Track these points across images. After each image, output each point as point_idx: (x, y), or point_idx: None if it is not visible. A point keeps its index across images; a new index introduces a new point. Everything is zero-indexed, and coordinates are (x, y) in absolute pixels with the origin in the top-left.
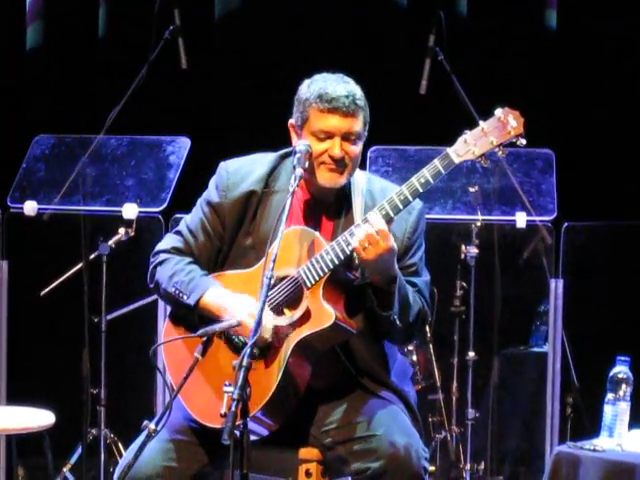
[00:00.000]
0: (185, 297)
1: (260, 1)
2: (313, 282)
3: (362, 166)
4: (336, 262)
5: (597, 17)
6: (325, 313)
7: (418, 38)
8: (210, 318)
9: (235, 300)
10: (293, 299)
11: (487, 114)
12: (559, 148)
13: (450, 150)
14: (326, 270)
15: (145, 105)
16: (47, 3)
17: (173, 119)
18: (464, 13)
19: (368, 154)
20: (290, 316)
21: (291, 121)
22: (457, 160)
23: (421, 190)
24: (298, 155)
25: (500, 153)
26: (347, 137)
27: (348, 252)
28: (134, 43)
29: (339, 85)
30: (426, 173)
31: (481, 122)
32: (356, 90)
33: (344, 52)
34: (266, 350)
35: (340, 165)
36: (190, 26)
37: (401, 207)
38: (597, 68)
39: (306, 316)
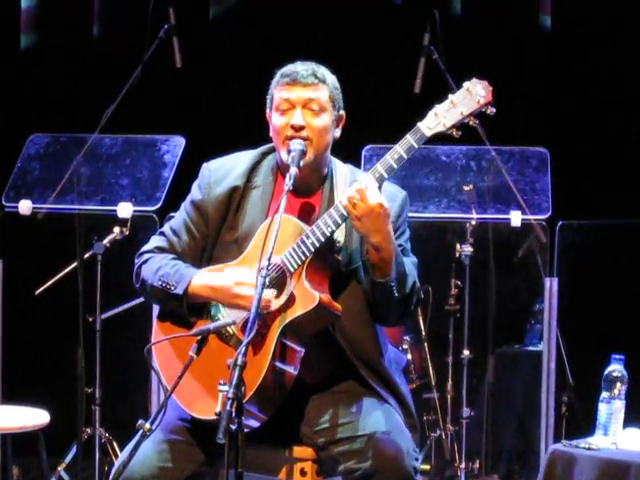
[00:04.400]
0: (172, 288)
1: (255, 0)
2: (296, 267)
3: (356, 165)
4: (317, 245)
5: (591, 15)
6: (309, 296)
7: (412, 37)
8: (199, 306)
9: (220, 276)
10: (278, 286)
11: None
12: (554, 147)
13: (421, 124)
14: (307, 254)
15: (140, 104)
16: (42, 2)
17: (168, 118)
18: (458, 12)
19: (363, 153)
20: (276, 302)
21: (267, 111)
22: (428, 133)
23: (395, 166)
24: (293, 154)
25: (471, 123)
26: (308, 106)
27: (328, 234)
28: (129, 42)
29: (301, 64)
30: (399, 149)
31: (450, 95)
32: (320, 68)
33: (338, 51)
34: (254, 337)
35: (303, 137)
36: (185, 25)
37: (377, 184)
38: (591, 66)
39: (291, 300)
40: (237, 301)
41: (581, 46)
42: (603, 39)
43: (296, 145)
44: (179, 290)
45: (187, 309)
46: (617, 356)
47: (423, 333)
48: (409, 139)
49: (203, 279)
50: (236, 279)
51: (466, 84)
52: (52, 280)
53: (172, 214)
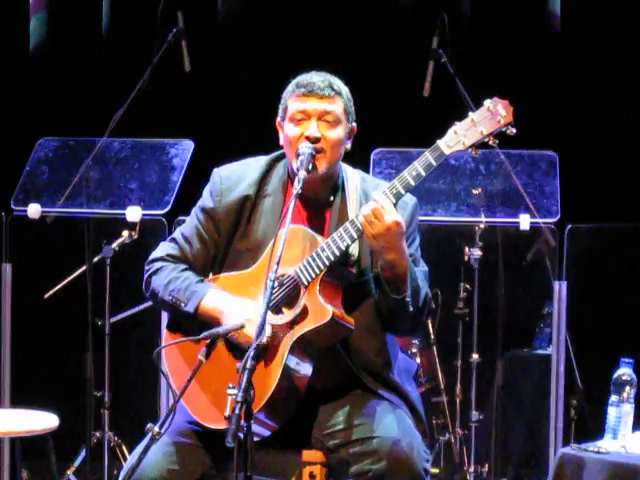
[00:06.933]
0: (183, 305)
1: (263, 3)
2: (310, 280)
3: (365, 168)
4: (332, 259)
5: (600, 18)
6: (322, 310)
7: (421, 40)
8: (210, 323)
9: (233, 304)
10: (291, 298)
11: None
12: (563, 150)
13: (440, 142)
14: (322, 267)
15: (148, 108)
16: (50, 6)
17: (176, 122)
18: (467, 15)
19: (372, 156)
20: (288, 314)
21: (277, 120)
22: (447, 151)
23: (413, 184)
24: (301, 157)
25: (490, 142)
26: (324, 118)
27: (343, 248)
28: (137, 46)
29: (316, 75)
30: (418, 166)
31: (470, 113)
32: (335, 80)
33: (347, 54)
34: (265, 350)
35: (317, 148)
36: (193, 29)
37: (394, 201)
38: (601, 70)
39: (304, 314)
40: (244, 339)
41: (591, 49)
42: (613, 42)
43: (305, 149)
44: (189, 308)
45: (198, 324)
46: (626, 360)
47: (432, 337)
48: (428, 157)
49: (216, 302)
50: (247, 316)
51: (487, 103)
52: (61, 284)
53: (181, 218)
